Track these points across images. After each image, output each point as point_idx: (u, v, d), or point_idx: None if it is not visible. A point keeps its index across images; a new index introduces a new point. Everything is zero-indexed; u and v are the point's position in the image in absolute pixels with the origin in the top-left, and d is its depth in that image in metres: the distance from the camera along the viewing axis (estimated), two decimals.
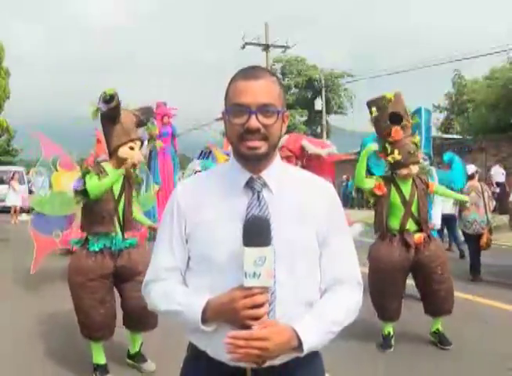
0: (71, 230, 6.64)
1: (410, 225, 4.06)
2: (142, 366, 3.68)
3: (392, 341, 4.18)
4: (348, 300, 1.39)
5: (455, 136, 24.09)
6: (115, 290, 3.64)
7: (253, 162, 1.34)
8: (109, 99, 3.37)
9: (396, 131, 4.00)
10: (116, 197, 3.52)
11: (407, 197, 4.04)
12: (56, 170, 6.07)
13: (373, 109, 4.11)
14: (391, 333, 4.21)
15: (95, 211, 3.46)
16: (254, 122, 1.28)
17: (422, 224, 4.08)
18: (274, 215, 1.31)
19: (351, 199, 22.81)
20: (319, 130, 30.82)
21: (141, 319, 3.54)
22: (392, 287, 4.05)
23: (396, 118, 4.03)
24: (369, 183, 4.11)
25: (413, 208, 4.05)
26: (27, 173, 19.29)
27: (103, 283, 3.44)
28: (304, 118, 31.65)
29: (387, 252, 4.03)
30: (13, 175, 16.69)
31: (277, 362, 1.27)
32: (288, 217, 1.33)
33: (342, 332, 1.36)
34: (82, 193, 3.41)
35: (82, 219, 3.61)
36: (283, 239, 1.29)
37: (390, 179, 4.13)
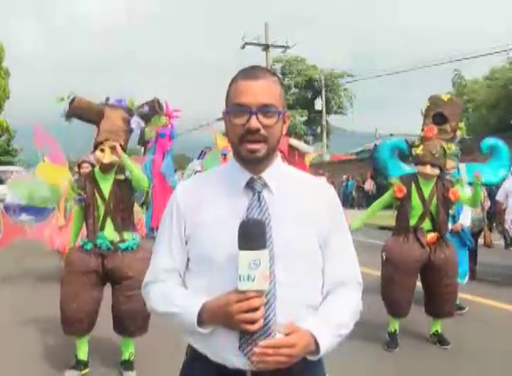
0: (48, 224, 6.60)
1: (425, 224, 4.10)
2: (123, 373, 3.62)
3: (398, 340, 4.19)
4: (351, 302, 1.39)
5: None
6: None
7: (253, 164, 1.34)
8: (71, 103, 3.62)
9: (428, 129, 4.08)
10: (106, 197, 3.53)
11: (426, 196, 4.08)
12: (43, 160, 6.12)
13: (427, 102, 4.20)
14: (397, 330, 4.22)
15: (85, 219, 3.60)
16: (254, 123, 1.27)
17: (439, 225, 4.10)
18: (274, 216, 1.30)
19: (351, 199, 22.84)
20: (318, 130, 30.84)
21: (126, 323, 3.52)
22: (406, 280, 4.07)
23: (440, 119, 4.11)
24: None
25: (432, 209, 4.08)
26: None
27: (82, 278, 3.43)
28: (304, 118, 31.65)
29: (404, 247, 4.07)
30: (12, 174, 16.57)
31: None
32: (288, 218, 1.32)
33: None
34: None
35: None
36: (283, 240, 1.29)
37: (411, 179, 4.15)
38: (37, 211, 6.58)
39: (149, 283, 1.43)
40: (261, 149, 1.29)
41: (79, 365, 3.60)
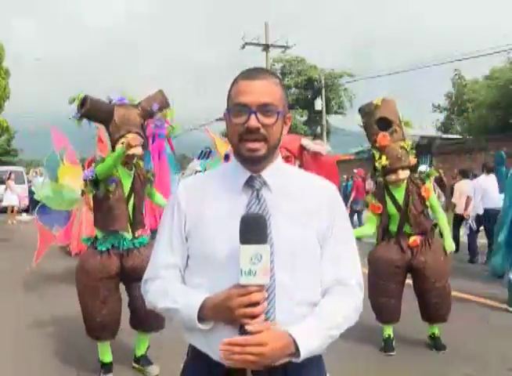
0: (70, 226, 6.69)
1: (406, 228, 4.08)
2: (145, 369, 3.66)
3: (393, 344, 4.17)
4: (349, 301, 1.37)
5: (455, 136, 24.08)
6: (122, 290, 3.64)
7: (253, 163, 1.34)
8: (82, 103, 3.48)
9: (382, 137, 4.00)
10: (126, 195, 3.52)
11: (400, 202, 4.05)
12: (63, 163, 6.13)
13: (362, 115, 4.16)
14: (391, 335, 4.18)
15: (107, 208, 3.44)
16: (253, 122, 1.28)
17: (421, 227, 4.04)
18: (274, 214, 1.31)
19: None
20: (318, 130, 30.81)
21: (147, 319, 3.52)
22: (388, 284, 4.05)
23: (384, 124, 4.03)
24: (369, 229, 4.25)
25: (409, 212, 4.03)
26: (27, 173, 19.27)
27: (107, 283, 3.44)
28: (304, 118, 31.65)
29: (385, 251, 4.10)
30: (10, 174, 16.51)
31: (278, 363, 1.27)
32: (288, 216, 1.33)
33: (344, 333, 1.35)
34: (94, 182, 3.40)
35: (95, 215, 3.60)
36: (282, 237, 1.29)
37: (383, 190, 4.14)
38: (60, 216, 6.58)
39: (149, 279, 1.44)
40: (261, 148, 1.30)
41: (109, 368, 3.60)
